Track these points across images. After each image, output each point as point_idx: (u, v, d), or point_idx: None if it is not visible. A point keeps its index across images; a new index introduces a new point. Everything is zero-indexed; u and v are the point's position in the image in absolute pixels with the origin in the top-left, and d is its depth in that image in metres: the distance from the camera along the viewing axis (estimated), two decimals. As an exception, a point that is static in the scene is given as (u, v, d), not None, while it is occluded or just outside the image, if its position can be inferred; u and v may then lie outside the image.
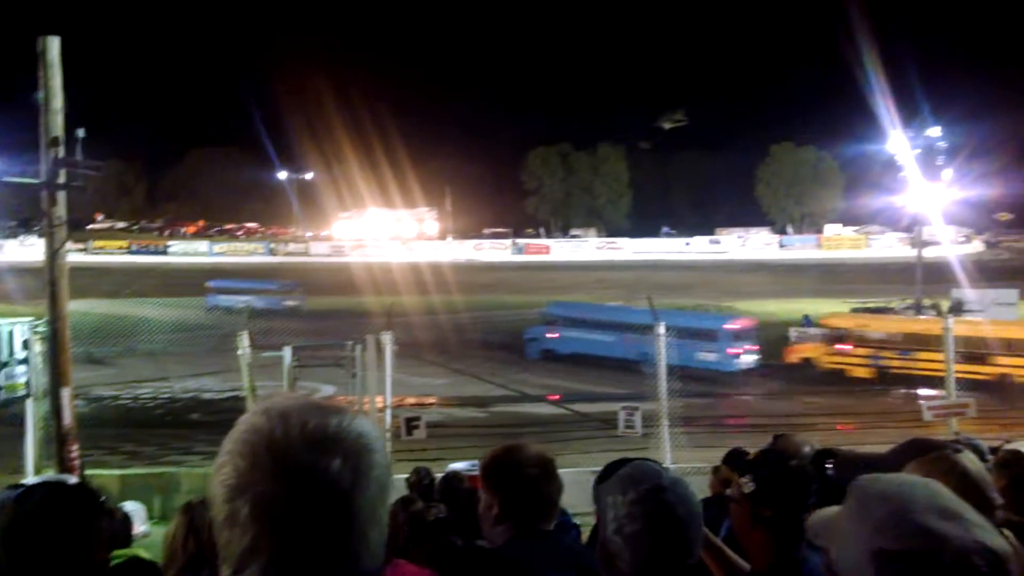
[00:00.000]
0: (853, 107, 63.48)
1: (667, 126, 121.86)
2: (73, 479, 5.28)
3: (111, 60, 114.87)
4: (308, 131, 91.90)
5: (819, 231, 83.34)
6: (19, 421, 11.99)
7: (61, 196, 9.87)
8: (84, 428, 12.28)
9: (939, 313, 15.38)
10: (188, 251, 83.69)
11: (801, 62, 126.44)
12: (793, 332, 29.44)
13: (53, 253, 9.89)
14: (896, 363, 23.76)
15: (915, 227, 41.98)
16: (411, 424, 11.28)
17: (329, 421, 1.05)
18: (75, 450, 10.15)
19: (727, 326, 25.46)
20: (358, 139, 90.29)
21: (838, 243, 77.34)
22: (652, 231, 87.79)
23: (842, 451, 2.95)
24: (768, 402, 21.73)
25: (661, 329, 12.67)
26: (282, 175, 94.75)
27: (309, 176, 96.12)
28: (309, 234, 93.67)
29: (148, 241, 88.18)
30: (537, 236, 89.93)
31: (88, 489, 2.26)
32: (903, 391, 21.45)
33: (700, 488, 2.66)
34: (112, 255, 79.67)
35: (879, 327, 25.24)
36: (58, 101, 9.75)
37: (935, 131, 41.37)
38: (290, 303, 35.93)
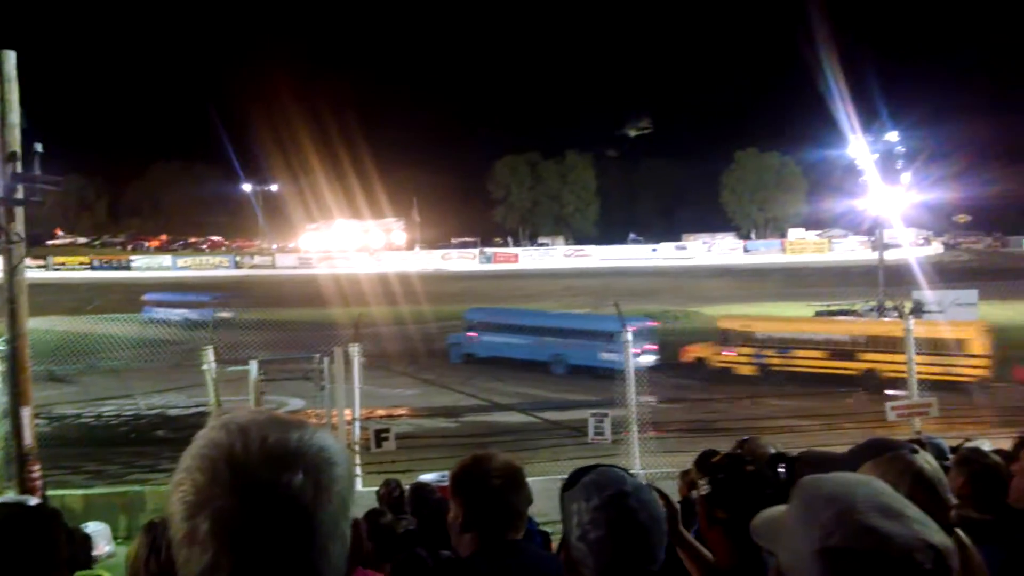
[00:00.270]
0: (814, 113, 64.47)
1: (633, 134, 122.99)
2: (33, 500, 5.18)
3: (70, 73, 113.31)
4: (273, 142, 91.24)
5: (783, 236, 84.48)
6: (-22, 442, 11.71)
7: (19, 211, 9.70)
8: (46, 448, 12.03)
9: (901, 315, 15.65)
10: (152, 266, 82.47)
11: (763, 69, 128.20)
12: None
13: (11, 270, 9.70)
14: (776, 361, 25.26)
15: (876, 230, 42.73)
16: (380, 436, 11.21)
17: (290, 436, 1.04)
18: (36, 470, 9.94)
19: (630, 327, 26.26)
20: (324, 150, 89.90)
21: (802, 247, 78.43)
22: (619, 238, 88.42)
23: (812, 452, 2.99)
24: (736, 406, 21.91)
25: (628, 336, 12.73)
26: (247, 187, 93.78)
27: (274, 188, 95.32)
28: (275, 246, 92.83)
29: (110, 256, 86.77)
30: (505, 245, 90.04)
31: (44, 510, 2.22)
32: (868, 392, 21.75)
33: (671, 492, 2.69)
34: (73, 271, 78.29)
35: (761, 328, 26.66)
36: (15, 115, 9.58)
37: (893, 136, 42.23)
38: (224, 315, 36.15)
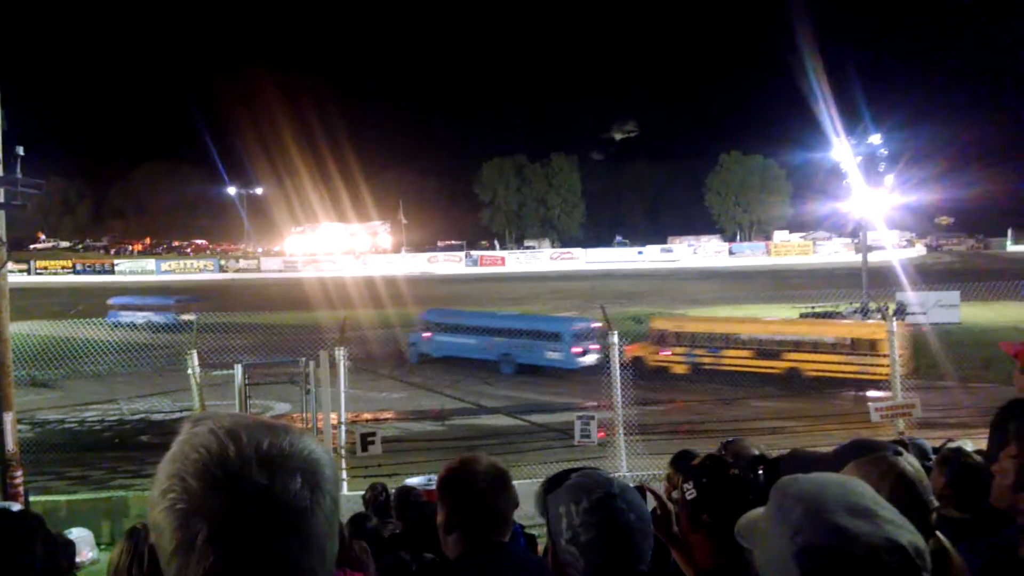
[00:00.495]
0: (797, 116, 65.06)
1: (619, 137, 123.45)
2: (16, 506, 5.13)
3: (53, 76, 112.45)
4: (258, 145, 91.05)
5: (768, 238, 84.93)
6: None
7: (0, 216, 9.62)
8: (29, 453, 11.94)
9: (884, 316, 15.77)
10: (135, 269, 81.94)
11: (748, 73, 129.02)
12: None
13: (-7, 274, 9.61)
14: (707, 360, 26.20)
15: (859, 233, 43.01)
16: (366, 440, 11.17)
17: (281, 439, 1.03)
18: (19, 476, 9.85)
19: (572, 328, 28.03)
20: (309, 153, 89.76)
21: (786, 249, 78.90)
22: (605, 241, 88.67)
23: (799, 451, 3.00)
24: (724, 407, 21.98)
25: (614, 338, 12.74)
26: (232, 190, 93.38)
27: (259, 191, 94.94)
28: (260, 250, 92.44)
29: (93, 260, 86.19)
30: (491, 248, 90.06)
31: (24, 516, 2.20)
32: (852, 393, 21.87)
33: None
34: (56, 275, 77.69)
35: (692, 328, 27.75)
36: (-5, 118, 9.51)
37: (876, 138, 42.47)
38: (188, 317, 36.20)
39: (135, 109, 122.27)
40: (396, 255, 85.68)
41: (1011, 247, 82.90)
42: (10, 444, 9.79)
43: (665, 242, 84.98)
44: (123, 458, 17.76)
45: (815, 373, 24.39)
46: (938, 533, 2.04)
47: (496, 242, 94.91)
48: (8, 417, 9.85)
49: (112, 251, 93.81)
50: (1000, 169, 77.67)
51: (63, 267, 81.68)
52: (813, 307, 34.40)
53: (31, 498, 10.14)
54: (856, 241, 58.16)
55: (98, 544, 10.60)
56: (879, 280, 35.22)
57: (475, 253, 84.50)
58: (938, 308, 30.55)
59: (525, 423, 18.08)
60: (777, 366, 24.91)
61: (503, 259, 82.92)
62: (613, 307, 25.32)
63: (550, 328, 28.49)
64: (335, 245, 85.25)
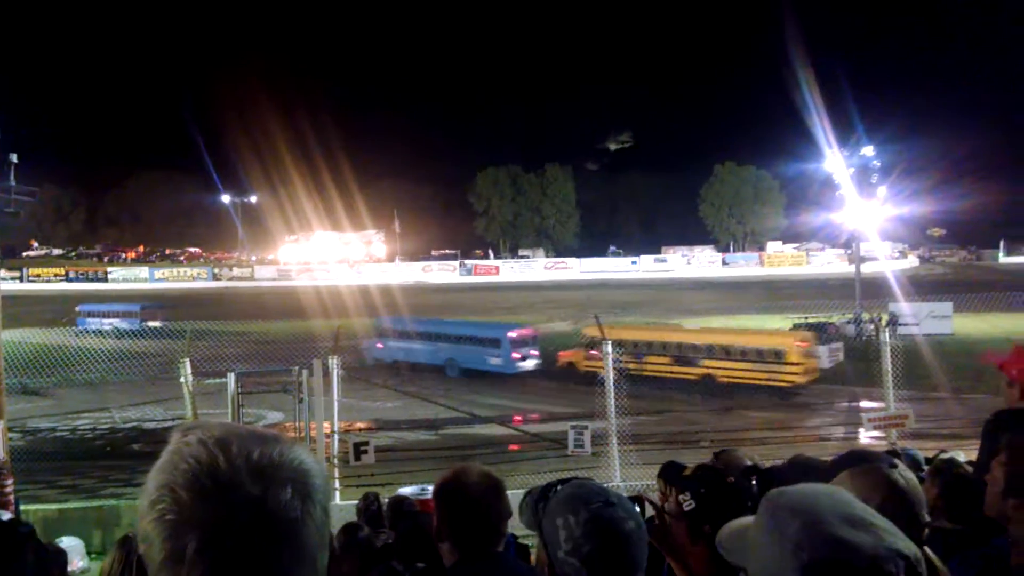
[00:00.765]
0: (791, 128, 65.33)
1: (613, 147, 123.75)
2: (6, 515, 5.09)
3: (48, 84, 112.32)
4: (253, 154, 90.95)
5: (761, 249, 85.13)
6: (-51, 457, 11.49)
7: (-7, 223, 9.60)
8: (20, 462, 11.85)
9: (877, 327, 15.82)
10: (129, 277, 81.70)
11: (742, 85, 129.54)
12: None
13: (-15, 281, 9.58)
14: (632, 365, 26.51)
15: (853, 243, 43.16)
16: (359, 449, 11.13)
17: (271, 449, 1.02)
18: (9, 485, 9.75)
19: (509, 334, 29.09)
20: (304, 162, 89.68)
21: (780, 260, 79.12)
22: (600, 251, 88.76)
23: (801, 457, 3.00)
24: (717, 417, 21.99)
25: (608, 347, 12.74)
26: (226, 199, 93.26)
27: (254, 199, 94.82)
28: (254, 258, 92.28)
29: (86, 268, 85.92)
30: (485, 257, 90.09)
31: (14, 525, 2.19)
32: (846, 404, 21.90)
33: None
34: (49, 283, 77.39)
35: (619, 335, 27.88)
36: (-10, 126, 9.48)
37: (869, 150, 42.68)
38: (153, 324, 37.78)
39: (130, 117, 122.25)
40: (390, 264, 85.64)
41: (1003, 259, 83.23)
42: (1, 452, 9.73)
43: (659, 252, 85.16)
44: (115, 467, 17.66)
45: (727, 379, 25.36)
46: (926, 549, 2.04)
47: (490, 251, 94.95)
48: (-1, 425, 9.79)
49: (105, 259, 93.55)
50: (993, 181, 78.12)
51: (56, 275, 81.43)
52: (806, 318, 34.47)
53: (22, 507, 10.06)
54: (849, 252, 58.34)
55: (89, 553, 10.54)
56: (872, 291, 35.32)
57: (469, 262, 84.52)
58: (931, 319, 30.67)
59: (519, 432, 18.05)
60: (694, 372, 25.95)
61: (497, 268, 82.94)
62: (607, 317, 25.39)
63: (490, 334, 29.46)
64: (329, 254, 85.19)
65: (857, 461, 2.37)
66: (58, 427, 21.54)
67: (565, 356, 28.84)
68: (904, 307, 30.91)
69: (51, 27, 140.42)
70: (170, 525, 0.96)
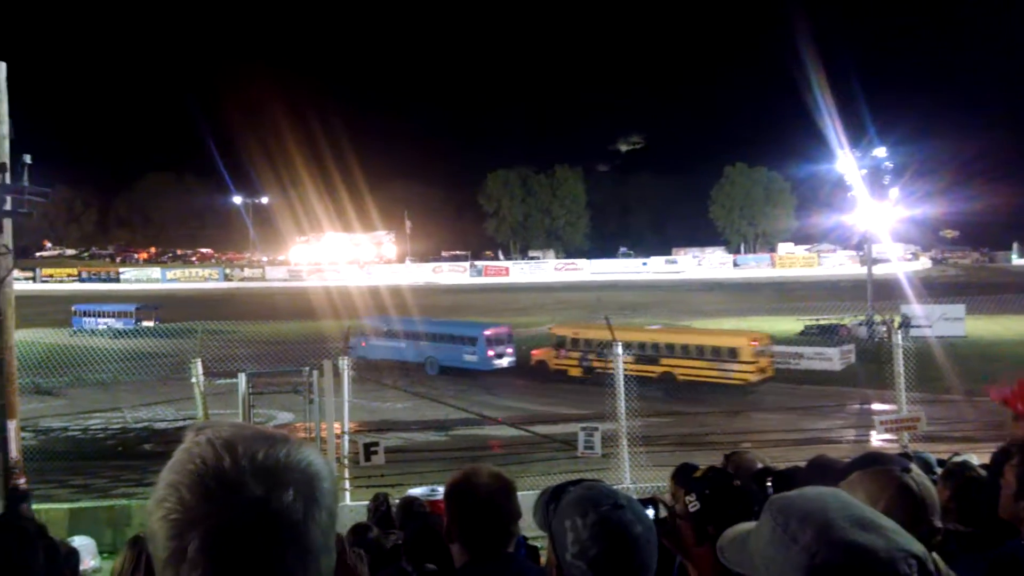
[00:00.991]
0: (802, 129, 65.12)
1: (624, 149, 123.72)
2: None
3: (60, 84, 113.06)
4: (264, 155, 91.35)
5: (772, 250, 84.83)
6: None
7: (7, 223, 9.65)
8: (32, 461, 11.92)
9: (889, 329, 15.74)
10: (141, 278, 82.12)
11: (753, 86, 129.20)
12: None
13: (-1, 282, 9.64)
14: (597, 363, 27.39)
15: (864, 245, 42.95)
16: (369, 450, 11.15)
17: (278, 451, 1.02)
18: (22, 484, 9.85)
19: (485, 333, 30.12)
20: (315, 163, 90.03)
21: (791, 262, 78.77)
22: (610, 252, 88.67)
23: (822, 457, 2.99)
24: (727, 419, 21.92)
25: (619, 349, 12.72)
26: (237, 200, 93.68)
27: (265, 201, 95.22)
28: (265, 259, 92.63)
29: (99, 268, 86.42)
30: (496, 258, 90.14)
31: (23, 524, 2.20)
32: (858, 406, 21.78)
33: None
34: (62, 283, 77.86)
35: (586, 335, 29.39)
36: (4, 127, 9.54)
37: (881, 151, 42.48)
38: (147, 324, 39.39)
39: (142, 119, 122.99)
40: (401, 265, 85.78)
41: (1016, 260, 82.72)
42: (14, 451, 9.80)
43: (670, 253, 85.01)
44: (126, 467, 17.75)
45: (685, 377, 26.29)
46: (934, 555, 2.03)
47: (500, 253, 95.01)
48: (12, 425, 9.86)
49: (118, 260, 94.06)
50: (1006, 182, 77.60)
51: (69, 275, 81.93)
52: (818, 319, 34.33)
53: (34, 506, 10.14)
54: (861, 254, 58.03)
55: (100, 553, 10.58)
56: (884, 293, 35.14)
57: (479, 263, 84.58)
58: (943, 321, 30.52)
59: (529, 434, 18.03)
60: (654, 370, 26.54)
61: (507, 269, 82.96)
62: (617, 318, 25.39)
63: (466, 333, 30.55)
64: (340, 255, 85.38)
65: (871, 464, 2.35)
66: (70, 427, 21.66)
67: (537, 354, 29.94)
68: (916, 309, 30.75)
69: (63, 30, 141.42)
70: (174, 524, 0.97)
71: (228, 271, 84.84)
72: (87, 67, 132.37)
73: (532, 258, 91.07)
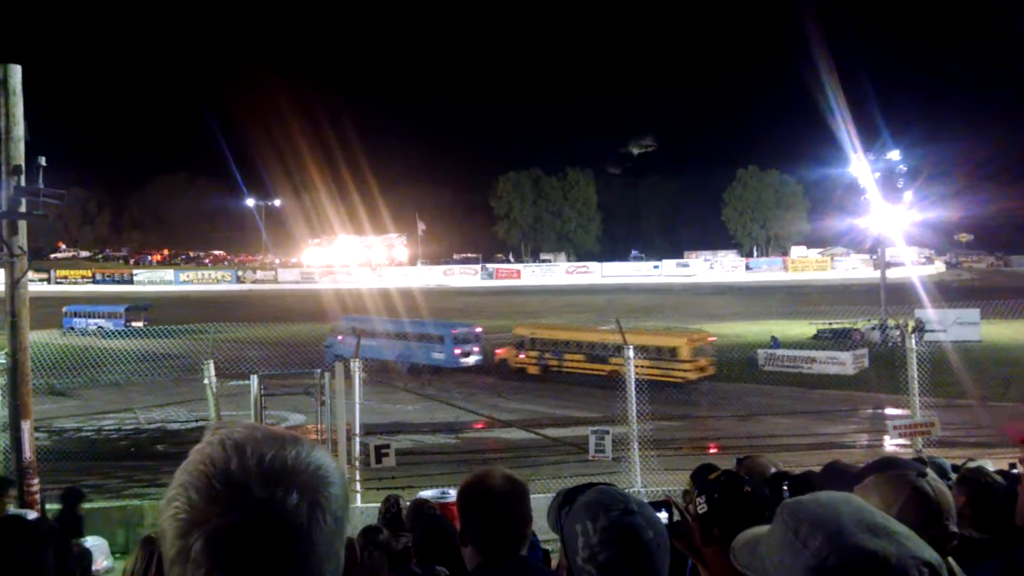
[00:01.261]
0: (814, 132, 64.84)
1: (636, 151, 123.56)
2: (33, 514, 5.16)
3: (74, 87, 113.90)
4: (276, 158, 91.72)
5: (785, 253, 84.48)
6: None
7: (22, 225, 9.71)
8: (45, 462, 11.99)
9: (903, 334, 15.65)
10: (154, 279, 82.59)
11: (765, 89, 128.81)
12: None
13: (14, 283, 9.70)
14: (553, 362, 29.73)
15: (878, 249, 42.70)
16: (380, 452, 11.16)
17: (287, 453, 1.02)
18: (36, 484, 9.90)
19: (452, 331, 31.54)
20: (327, 166, 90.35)
21: (804, 265, 78.40)
22: (621, 255, 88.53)
23: (838, 463, 2.97)
24: (740, 424, 21.83)
25: (630, 352, 12.68)
26: (250, 202, 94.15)
27: (277, 203, 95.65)
28: (277, 261, 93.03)
29: (113, 270, 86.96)
30: (507, 261, 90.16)
31: (37, 524, 2.21)
32: (871, 411, 21.64)
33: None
34: (76, 284, 78.38)
35: (543, 335, 31.16)
36: (20, 129, 9.61)
37: (895, 155, 42.24)
38: (137, 324, 39.98)
39: (155, 122, 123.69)
40: (412, 267, 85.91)
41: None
42: (28, 452, 9.86)
43: (681, 257, 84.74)
44: (139, 467, 17.84)
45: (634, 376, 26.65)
46: (950, 559, 2.01)
47: (512, 255, 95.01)
48: (26, 425, 9.92)
49: (131, 261, 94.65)
50: (1021, 185, 77.01)
51: (83, 276, 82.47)
52: (831, 323, 34.16)
53: (47, 506, 10.19)
54: (875, 257, 57.73)
55: (113, 553, 10.62)
56: (898, 297, 34.90)
57: (491, 266, 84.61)
58: (957, 326, 30.30)
59: (539, 437, 18.01)
60: (603, 369, 27.62)
61: (519, 272, 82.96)
62: (627, 321, 25.43)
63: (434, 332, 31.91)
64: (352, 257, 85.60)
65: (886, 468, 2.34)
66: (83, 427, 21.79)
67: (500, 353, 31.26)
68: (931, 313, 30.55)
69: (77, 32, 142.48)
70: (182, 523, 0.98)
71: (240, 273, 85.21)
72: (101, 70, 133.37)
73: (543, 261, 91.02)
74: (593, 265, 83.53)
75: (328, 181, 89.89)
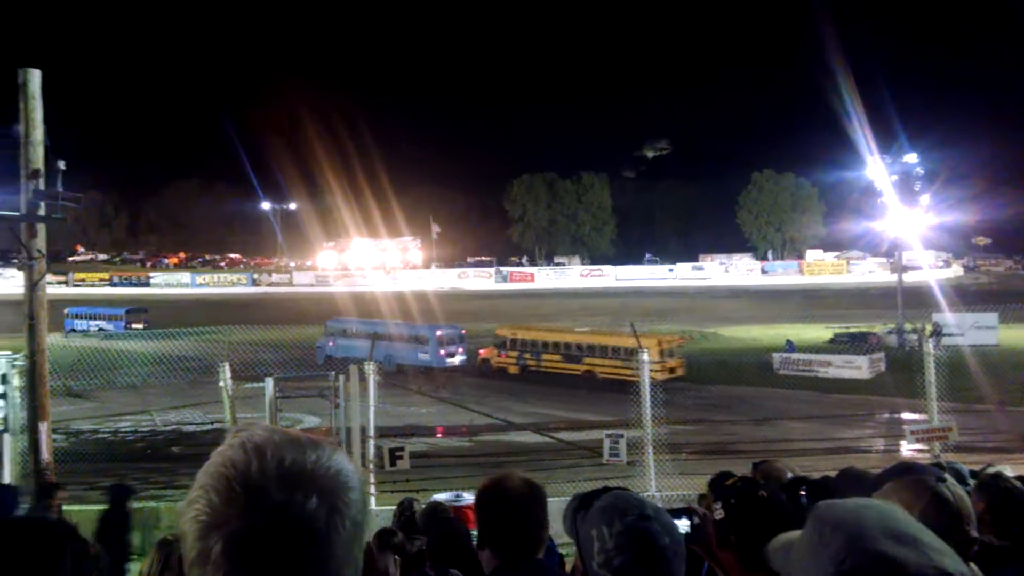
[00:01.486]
0: (830, 135, 64.41)
1: (651, 154, 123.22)
2: (49, 515, 5.20)
3: (92, 92, 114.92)
4: (292, 162, 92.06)
5: (801, 257, 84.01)
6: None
7: (40, 228, 9.81)
8: (62, 463, 12.09)
9: (920, 338, 15.56)
10: (171, 282, 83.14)
11: (781, 91, 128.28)
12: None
13: (32, 286, 9.80)
14: (532, 363, 30.68)
15: (895, 252, 42.40)
16: (395, 455, 11.17)
17: (307, 457, 1.02)
18: (60, 498, 9.97)
19: (437, 333, 32.58)
20: (342, 169, 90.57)
21: (820, 269, 77.94)
22: (636, 258, 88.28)
23: (853, 469, 2.96)
24: (756, 428, 21.71)
25: (645, 356, 12.65)
26: (266, 206, 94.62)
27: (292, 207, 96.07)
28: (293, 264, 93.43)
29: (130, 273, 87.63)
30: (521, 264, 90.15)
31: (55, 526, 2.22)
32: (887, 415, 21.48)
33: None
34: (93, 287, 79.00)
35: (523, 335, 32.00)
36: (39, 133, 9.71)
37: (912, 157, 41.92)
38: (137, 326, 41.23)
39: (172, 127, 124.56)
40: (426, 271, 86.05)
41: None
42: (45, 453, 9.95)
43: (696, 260, 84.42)
44: (155, 469, 17.93)
45: (604, 375, 28.23)
46: (972, 565, 1.99)
47: (526, 258, 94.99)
48: (44, 427, 10.01)
49: (148, 264, 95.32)
50: (1039, 189, 76.17)
51: (100, 279, 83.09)
52: (847, 327, 33.96)
53: (64, 507, 10.27)
54: (891, 261, 57.33)
55: (129, 554, 10.68)
56: (915, 300, 34.66)
57: (505, 269, 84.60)
58: (975, 330, 30.01)
59: (554, 440, 17.98)
60: (578, 368, 28.96)
61: (533, 275, 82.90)
62: (641, 325, 25.37)
63: (419, 333, 33.06)
64: (366, 260, 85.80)
65: (904, 473, 2.32)
66: (100, 429, 21.94)
67: (483, 353, 32.15)
68: (948, 317, 30.30)
69: (95, 37, 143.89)
70: (202, 526, 0.98)
71: (256, 276, 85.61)
72: (119, 75, 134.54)
73: (558, 264, 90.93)
74: (607, 268, 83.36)
75: (343, 185, 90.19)
